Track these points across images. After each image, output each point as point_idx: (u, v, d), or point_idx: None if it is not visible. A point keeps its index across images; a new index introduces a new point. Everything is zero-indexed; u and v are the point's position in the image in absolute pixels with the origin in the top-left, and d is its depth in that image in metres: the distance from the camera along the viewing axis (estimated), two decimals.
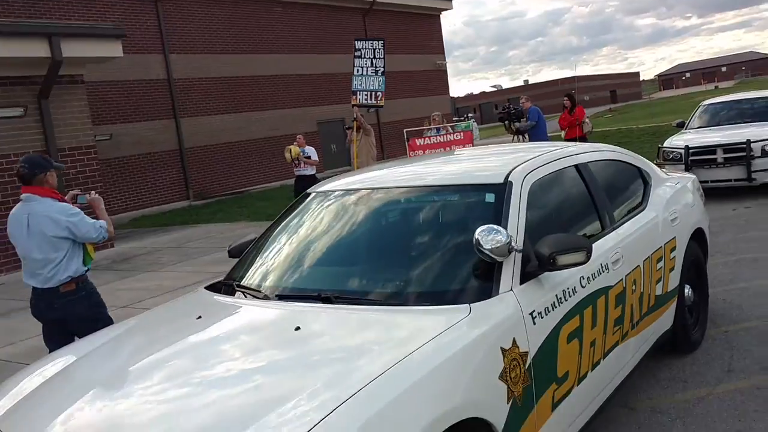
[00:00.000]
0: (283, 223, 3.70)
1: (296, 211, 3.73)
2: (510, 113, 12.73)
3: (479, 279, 2.74)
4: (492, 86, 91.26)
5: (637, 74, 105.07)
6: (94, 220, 4.28)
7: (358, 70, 11.87)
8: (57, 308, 4.16)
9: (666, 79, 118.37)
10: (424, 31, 33.16)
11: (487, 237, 2.63)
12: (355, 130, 11.93)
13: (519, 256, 2.76)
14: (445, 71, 34.71)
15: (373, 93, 11.83)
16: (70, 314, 4.18)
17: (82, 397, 2.42)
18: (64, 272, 4.14)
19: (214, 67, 22.66)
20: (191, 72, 22.05)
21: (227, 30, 23.14)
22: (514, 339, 2.51)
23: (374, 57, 11.76)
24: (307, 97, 26.39)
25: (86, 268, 4.28)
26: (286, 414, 1.95)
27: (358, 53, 11.85)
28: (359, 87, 11.89)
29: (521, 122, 12.67)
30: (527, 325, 2.61)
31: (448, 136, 12.38)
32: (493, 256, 2.63)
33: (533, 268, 2.78)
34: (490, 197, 3.04)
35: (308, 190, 3.98)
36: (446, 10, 34.58)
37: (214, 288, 3.44)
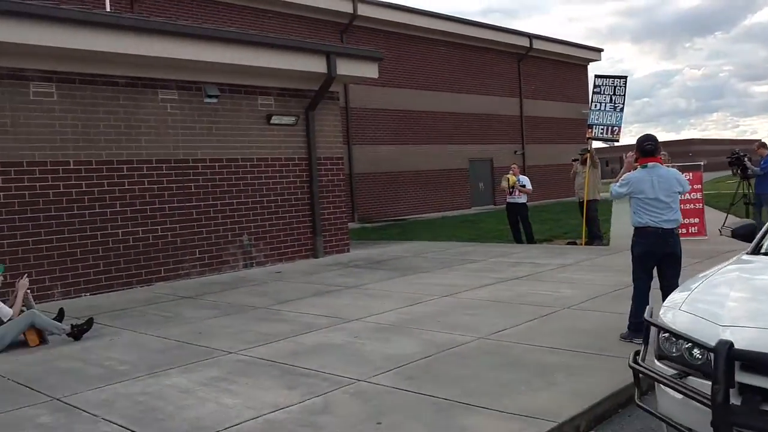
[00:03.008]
0: None
1: None
2: (740, 158, 12.94)
3: None
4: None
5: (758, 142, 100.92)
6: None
7: (595, 105, 12.44)
8: (670, 244, 5.62)
9: None
10: (571, 80, 33.67)
11: None
12: (588, 162, 12.45)
13: None
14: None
15: (610, 128, 12.34)
16: (676, 250, 5.65)
17: None
18: (677, 217, 5.65)
19: (384, 99, 23.85)
20: (365, 102, 23.32)
21: (397, 65, 24.37)
22: None
23: (614, 93, 12.31)
24: (460, 134, 27.27)
25: None
26: None
27: (597, 89, 12.44)
28: (596, 121, 12.43)
29: (751, 168, 12.83)
30: None
31: None
32: None
33: None
34: None
35: None
36: (595, 61, 35.00)
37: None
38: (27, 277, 6.91)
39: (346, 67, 12.31)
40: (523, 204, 13.65)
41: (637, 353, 3.54)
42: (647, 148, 5.75)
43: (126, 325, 7.41)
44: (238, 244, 11.41)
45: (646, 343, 3.57)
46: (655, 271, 5.76)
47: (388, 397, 4.56)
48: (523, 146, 30.66)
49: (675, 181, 5.68)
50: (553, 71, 32.33)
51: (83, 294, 9.49)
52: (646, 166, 5.72)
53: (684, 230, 12.31)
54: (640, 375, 3.46)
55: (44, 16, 8.74)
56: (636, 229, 5.77)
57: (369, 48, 14.18)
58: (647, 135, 5.81)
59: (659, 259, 5.65)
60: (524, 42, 30.08)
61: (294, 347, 6.05)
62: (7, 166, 8.92)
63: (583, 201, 12.74)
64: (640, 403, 3.43)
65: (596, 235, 12.68)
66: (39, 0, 8.90)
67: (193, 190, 10.86)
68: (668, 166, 13.47)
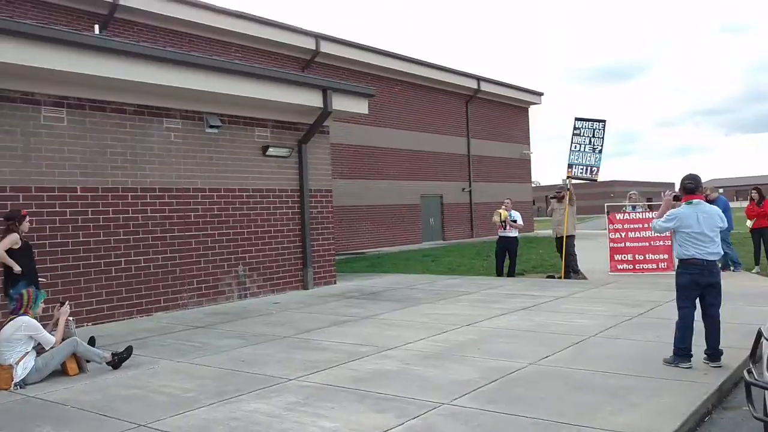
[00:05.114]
0: None
1: None
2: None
3: None
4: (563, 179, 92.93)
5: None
6: None
7: (575, 146, 13.20)
8: (713, 275, 6.15)
9: None
10: (515, 121, 35.13)
11: None
12: (567, 199, 13.12)
13: None
14: (530, 161, 36.39)
15: (589, 168, 13.11)
16: (718, 280, 6.18)
17: None
18: (719, 250, 6.17)
19: (343, 135, 24.13)
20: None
21: None
22: None
23: (593, 136, 13.12)
24: (412, 171, 27.90)
25: None
26: None
27: (576, 131, 13.22)
28: (575, 161, 13.18)
29: None
30: None
31: (647, 213, 13.53)
32: None
33: None
34: None
35: None
36: (535, 104, 36.63)
37: None
38: (68, 303, 6.71)
39: (340, 102, 12.59)
40: (515, 238, 13.99)
41: (749, 371, 3.93)
42: (689, 186, 6.29)
43: (157, 354, 7.28)
44: (233, 274, 11.33)
45: (753, 356, 3.98)
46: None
47: (485, 418, 4.76)
48: (470, 184, 31.58)
49: (718, 217, 6.19)
50: (497, 113, 33.65)
51: (85, 324, 9.18)
52: (691, 203, 6.24)
53: (654, 266, 13.13)
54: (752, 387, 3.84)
55: (56, 40, 8.61)
56: (681, 261, 6.23)
57: (362, 85, 14.49)
58: (689, 174, 6.33)
59: (703, 289, 6.14)
60: (473, 84, 31.25)
61: (352, 374, 6.15)
62: (16, 191, 8.64)
63: (559, 237, 13.43)
64: (760, 416, 3.80)
65: (575, 269, 13.31)
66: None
67: (192, 220, 10.77)
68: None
